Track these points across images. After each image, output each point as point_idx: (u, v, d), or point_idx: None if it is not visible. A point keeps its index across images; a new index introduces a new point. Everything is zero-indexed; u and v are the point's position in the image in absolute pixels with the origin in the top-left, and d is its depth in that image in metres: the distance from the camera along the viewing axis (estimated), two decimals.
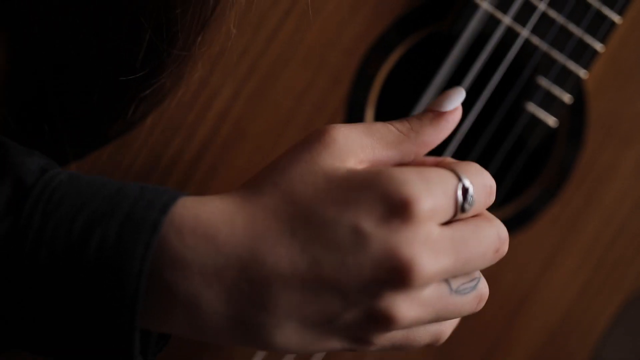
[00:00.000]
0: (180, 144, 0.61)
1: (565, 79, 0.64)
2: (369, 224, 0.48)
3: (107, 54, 0.55)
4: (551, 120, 0.65)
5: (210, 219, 0.49)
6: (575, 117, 0.68)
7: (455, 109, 0.54)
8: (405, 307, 0.50)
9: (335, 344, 0.52)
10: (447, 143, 0.65)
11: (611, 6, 0.63)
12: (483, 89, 0.64)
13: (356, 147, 0.52)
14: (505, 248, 0.53)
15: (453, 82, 0.63)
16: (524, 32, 0.62)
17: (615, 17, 0.64)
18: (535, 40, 0.63)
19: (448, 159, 0.55)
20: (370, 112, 0.64)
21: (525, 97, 0.65)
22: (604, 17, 0.63)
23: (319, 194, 0.49)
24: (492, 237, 0.52)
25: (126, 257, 0.48)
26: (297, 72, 0.61)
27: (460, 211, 0.51)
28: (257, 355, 0.67)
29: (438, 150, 0.64)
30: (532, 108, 0.65)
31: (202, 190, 0.62)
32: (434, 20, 0.63)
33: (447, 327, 0.55)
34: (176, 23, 0.54)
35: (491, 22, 0.62)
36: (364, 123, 0.53)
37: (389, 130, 0.53)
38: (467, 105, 0.64)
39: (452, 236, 0.50)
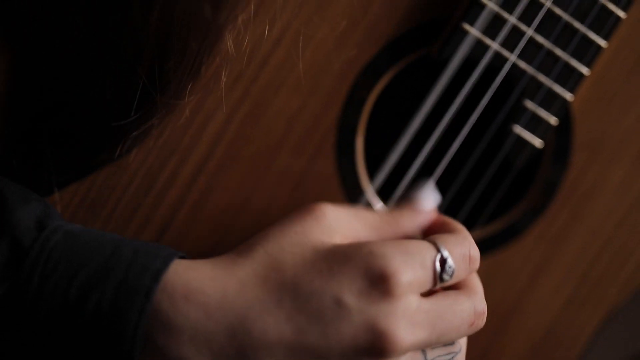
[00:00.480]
0: (175, 166, 0.62)
1: (552, 102, 0.66)
2: (350, 296, 0.51)
3: (101, 98, 0.57)
4: (537, 142, 0.67)
5: (202, 285, 0.52)
6: (561, 137, 0.69)
7: (430, 210, 0.59)
8: None
9: None
10: (437, 163, 0.66)
11: (597, 31, 0.65)
12: (471, 111, 0.65)
13: (343, 226, 0.55)
14: (480, 323, 0.56)
15: (442, 105, 0.65)
16: (512, 57, 0.64)
17: (601, 42, 0.65)
18: (523, 64, 0.64)
19: (448, 221, 0.58)
20: (360, 135, 0.65)
21: (512, 119, 0.66)
22: (590, 42, 0.65)
23: (306, 265, 0.52)
24: (467, 312, 0.55)
25: (120, 323, 0.50)
26: (288, 97, 0.63)
27: (439, 281, 0.54)
28: None
29: (430, 168, 0.66)
30: (519, 130, 0.66)
31: (196, 211, 0.63)
32: (423, 45, 0.64)
33: None
34: (168, 74, 0.55)
35: (479, 47, 0.63)
36: (353, 208, 0.57)
37: (373, 217, 0.58)
38: (456, 127, 0.66)
39: (429, 309, 0.53)
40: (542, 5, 0.63)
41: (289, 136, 0.63)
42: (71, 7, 0.56)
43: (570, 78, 0.65)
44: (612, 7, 0.64)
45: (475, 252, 0.56)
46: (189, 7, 0.53)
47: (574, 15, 0.64)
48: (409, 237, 0.57)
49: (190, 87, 0.57)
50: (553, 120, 0.66)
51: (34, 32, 0.58)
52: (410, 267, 0.52)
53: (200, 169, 0.63)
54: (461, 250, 0.55)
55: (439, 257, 0.54)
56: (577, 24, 0.64)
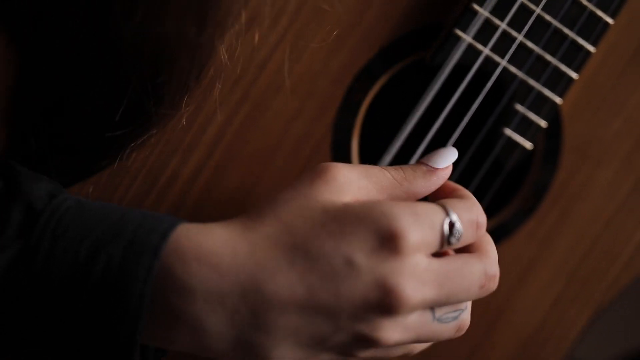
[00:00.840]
0: (176, 166, 0.64)
1: (541, 105, 0.68)
2: (360, 255, 0.53)
3: (98, 109, 0.59)
4: (527, 144, 0.69)
5: (213, 247, 0.53)
6: (550, 140, 0.71)
7: (446, 167, 0.59)
8: (390, 331, 0.54)
9: (324, 357, 0.56)
10: None
11: (586, 37, 0.67)
12: (463, 114, 0.67)
13: (354, 187, 0.56)
14: (491, 285, 0.57)
15: (435, 109, 0.67)
16: (502, 62, 0.66)
17: (590, 48, 0.67)
18: (513, 69, 0.66)
19: (452, 187, 0.60)
20: (355, 138, 0.67)
21: (503, 122, 0.68)
22: (579, 48, 0.67)
23: (316, 227, 0.54)
24: (477, 274, 0.56)
25: (129, 279, 0.52)
26: (286, 101, 0.65)
27: (447, 243, 0.55)
28: None
29: None
30: (510, 132, 0.68)
31: (197, 209, 0.65)
32: (417, 50, 0.66)
33: (419, 347, 0.60)
34: (162, 88, 0.57)
35: (471, 53, 0.65)
36: (362, 165, 0.57)
37: (384, 176, 0.58)
38: (448, 129, 0.68)
39: (438, 269, 0.54)
40: (532, 12, 0.65)
41: (286, 138, 0.65)
42: (69, 24, 0.58)
43: (559, 82, 0.67)
44: (600, 13, 0.66)
45: (482, 219, 0.57)
46: (175, 28, 0.55)
47: (563, 21, 0.66)
48: (420, 198, 0.58)
49: (186, 98, 0.59)
50: (543, 123, 0.68)
51: (37, 44, 0.59)
52: (419, 228, 0.53)
53: (200, 170, 0.65)
54: (469, 216, 0.56)
55: (447, 220, 0.55)
56: (566, 30, 0.66)
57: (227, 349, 0.54)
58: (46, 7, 0.58)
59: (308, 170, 0.56)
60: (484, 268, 0.56)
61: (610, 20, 0.67)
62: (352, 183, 0.56)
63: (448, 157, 0.59)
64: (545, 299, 0.75)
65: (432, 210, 0.55)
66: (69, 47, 0.58)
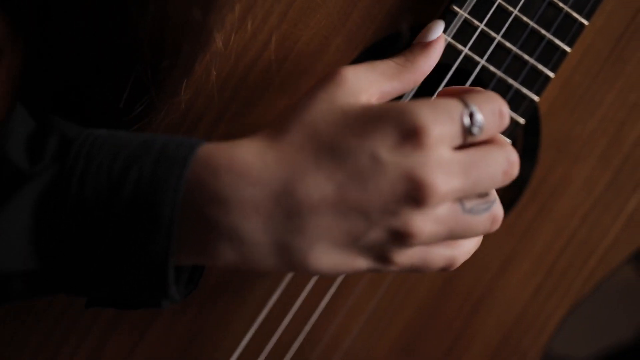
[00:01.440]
0: None
1: (519, 103, 0.71)
2: (385, 151, 0.55)
3: (102, 95, 0.62)
4: (506, 140, 0.72)
5: (243, 158, 0.55)
6: (529, 136, 0.74)
7: (438, 38, 0.63)
8: (422, 222, 0.56)
9: (361, 263, 0.58)
10: None
11: (562, 38, 0.70)
12: None
13: (364, 83, 0.59)
14: (514, 171, 0.59)
15: None
16: (481, 61, 0.69)
17: (566, 48, 0.70)
18: (492, 68, 0.69)
19: (477, 88, 0.62)
20: None
21: None
22: (556, 48, 0.70)
23: (339, 128, 0.56)
24: (500, 161, 0.58)
25: (160, 190, 0.54)
26: (273, 98, 0.67)
27: (469, 134, 0.57)
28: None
29: None
30: None
31: None
32: (400, 50, 0.69)
33: (460, 255, 0.62)
34: (164, 72, 0.60)
35: (451, 52, 0.68)
36: (367, 62, 0.60)
37: (388, 64, 0.62)
38: None
39: (462, 159, 0.57)
40: (510, 13, 0.68)
41: None
42: (74, 12, 0.61)
43: (536, 81, 0.70)
44: (575, 15, 0.69)
45: (505, 108, 0.59)
46: (181, 12, 0.58)
47: (539, 22, 0.69)
48: (426, 75, 0.63)
49: (185, 83, 0.62)
50: (521, 120, 0.71)
51: (43, 32, 0.63)
52: (440, 121, 0.56)
53: None
54: (491, 106, 0.58)
55: (467, 111, 0.57)
56: (542, 31, 0.69)
57: (266, 256, 0.56)
58: None
59: (320, 78, 0.59)
60: (506, 155, 0.59)
61: (585, 22, 0.70)
62: (361, 79, 0.59)
63: (436, 29, 0.64)
64: (525, 290, 0.78)
65: (450, 104, 0.57)
66: (75, 34, 0.61)
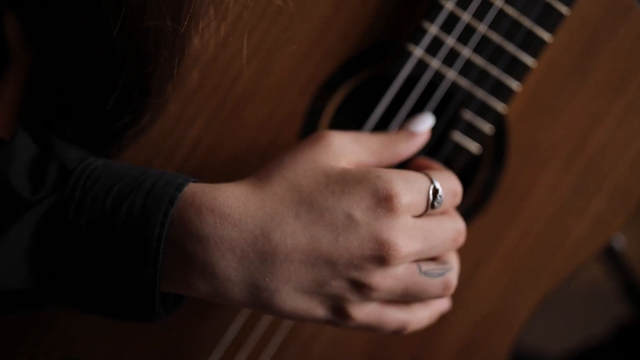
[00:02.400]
0: (160, 166, 0.72)
1: (486, 112, 0.76)
2: (359, 211, 0.62)
3: (93, 103, 0.67)
4: (474, 147, 0.77)
5: (226, 201, 0.61)
6: (497, 143, 0.79)
7: (425, 131, 0.70)
8: (381, 278, 0.63)
9: (320, 312, 0.64)
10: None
11: (527, 52, 0.75)
12: None
13: (347, 151, 0.66)
14: (461, 239, 0.68)
15: (390, 116, 0.75)
16: (450, 74, 0.74)
17: (530, 61, 0.75)
18: (460, 79, 0.74)
19: (431, 162, 0.71)
20: None
21: (451, 127, 0.76)
22: (520, 61, 0.75)
23: (319, 186, 0.62)
24: (451, 230, 0.66)
25: (148, 225, 0.60)
26: (258, 108, 0.73)
27: (430, 207, 0.65)
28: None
29: None
30: (458, 137, 0.76)
31: None
32: (374, 63, 0.74)
33: (413, 321, 0.68)
34: (148, 78, 0.65)
35: (422, 65, 0.73)
36: (354, 132, 0.67)
37: (372, 141, 0.68)
38: None
39: (422, 226, 0.64)
40: (477, 30, 0.73)
41: (258, 142, 0.73)
42: (66, 25, 0.66)
43: (502, 92, 0.75)
44: (539, 31, 0.74)
45: (459, 188, 0.68)
46: (154, 22, 0.63)
47: (505, 37, 0.74)
48: (403, 159, 0.69)
49: (170, 87, 0.67)
50: (488, 128, 0.76)
51: (45, 41, 0.68)
52: (410, 192, 0.63)
53: (181, 170, 0.73)
54: (449, 185, 0.66)
55: (432, 187, 0.65)
56: (508, 45, 0.74)
57: (235, 292, 0.62)
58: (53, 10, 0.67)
59: (307, 137, 0.65)
60: (456, 225, 0.67)
61: (548, 38, 0.75)
62: (345, 147, 0.65)
63: (425, 121, 0.70)
64: (495, 286, 0.83)
65: (420, 178, 0.64)
66: (69, 46, 0.66)
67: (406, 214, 0.63)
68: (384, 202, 0.62)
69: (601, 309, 1.10)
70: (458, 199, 0.68)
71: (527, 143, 0.80)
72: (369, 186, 0.62)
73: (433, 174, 0.66)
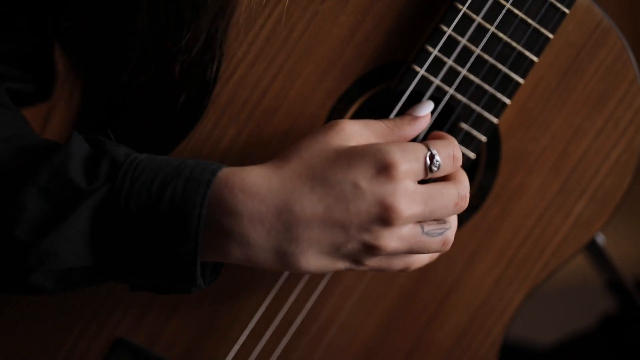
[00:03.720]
0: None
1: (481, 124, 0.86)
2: (364, 181, 0.72)
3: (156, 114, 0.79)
4: (471, 154, 0.88)
5: (254, 181, 0.72)
6: (491, 151, 0.90)
7: (425, 115, 0.80)
8: (388, 239, 0.73)
9: (340, 264, 0.75)
10: None
11: (516, 71, 0.85)
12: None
13: (357, 135, 0.76)
14: (463, 203, 0.77)
15: None
16: (450, 90, 0.85)
17: (519, 79, 0.86)
18: (458, 95, 0.85)
19: (439, 133, 0.81)
20: None
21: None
22: (511, 79, 0.86)
23: (330, 162, 0.73)
24: (453, 194, 0.76)
25: (189, 206, 0.71)
26: (283, 118, 0.84)
27: (429, 171, 0.75)
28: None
29: None
30: None
31: None
32: (384, 80, 0.85)
33: (416, 261, 0.79)
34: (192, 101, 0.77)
35: (425, 83, 0.84)
36: (364, 119, 0.77)
37: (380, 125, 0.78)
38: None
39: (423, 191, 0.74)
40: (473, 52, 0.84)
41: (283, 148, 0.84)
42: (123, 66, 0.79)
43: (495, 106, 0.86)
44: (527, 53, 0.85)
45: (458, 153, 0.77)
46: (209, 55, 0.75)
47: (497, 58, 0.84)
48: (408, 140, 0.78)
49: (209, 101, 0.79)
50: (483, 138, 0.87)
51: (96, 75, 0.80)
52: (407, 160, 0.73)
53: None
54: (447, 151, 0.76)
55: (428, 153, 0.74)
56: (500, 66, 0.85)
57: (267, 258, 0.72)
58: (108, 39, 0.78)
59: (323, 125, 0.76)
60: (457, 190, 0.76)
61: (535, 59, 0.85)
62: (355, 131, 0.76)
63: (426, 107, 0.80)
64: (489, 278, 0.93)
65: (417, 147, 0.75)
66: (122, 80, 0.78)
67: (406, 180, 0.72)
68: (385, 170, 0.72)
69: (592, 303, 1.20)
70: (458, 162, 0.77)
71: (518, 150, 0.90)
72: (371, 158, 0.72)
73: (432, 142, 0.76)
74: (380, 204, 0.72)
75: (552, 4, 0.84)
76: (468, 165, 0.88)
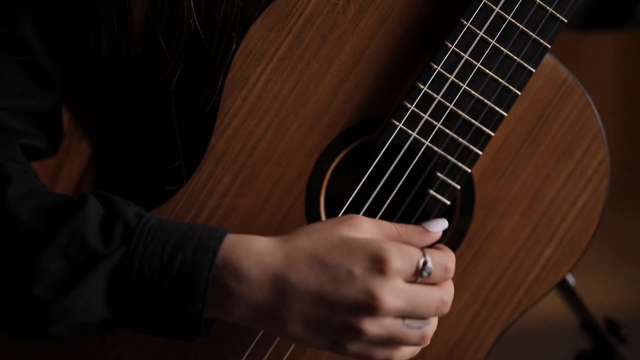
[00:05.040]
0: (193, 215, 0.91)
1: (455, 173, 0.94)
2: (358, 269, 0.80)
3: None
4: (446, 201, 0.95)
5: (259, 250, 0.80)
6: (466, 198, 0.97)
7: (437, 232, 0.87)
8: (369, 325, 0.80)
9: (321, 342, 0.82)
10: (376, 213, 0.94)
11: (487, 125, 0.93)
12: (399, 179, 0.94)
13: (367, 231, 0.83)
14: (444, 308, 0.84)
15: (379, 175, 0.93)
16: (426, 142, 0.92)
17: (490, 132, 0.93)
18: (434, 147, 0.93)
19: (440, 245, 0.88)
20: (322, 196, 0.93)
21: (428, 184, 0.94)
22: (482, 132, 0.93)
23: (333, 247, 0.80)
24: (436, 298, 0.83)
25: (198, 271, 0.79)
26: (273, 168, 0.91)
27: (419, 275, 0.82)
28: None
29: (372, 216, 0.93)
30: (433, 192, 0.94)
31: None
32: (366, 134, 0.93)
33: (397, 355, 0.85)
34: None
35: (403, 136, 0.92)
36: (378, 220, 0.85)
37: (391, 228, 0.85)
38: (389, 190, 0.94)
39: (409, 290, 0.82)
40: (447, 107, 0.92)
41: (273, 195, 0.92)
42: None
43: (468, 157, 0.93)
44: (497, 108, 0.93)
45: (452, 265, 0.84)
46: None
47: (469, 113, 0.92)
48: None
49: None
50: (457, 186, 0.94)
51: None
52: (401, 260, 0.80)
53: (211, 217, 0.91)
54: (441, 260, 0.83)
55: (422, 260, 0.82)
56: (472, 120, 0.93)
57: (261, 319, 0.80)
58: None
59: (339, 217, 0.83)
60: (441, 296, 0.83)
61: (504, 113, 0.93)
62: (367, 228, 0.83)
63: (440, 225, 0.88)
64: (466, 316, 1.00)
65: (413, 251, 0.82)
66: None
67: (396, 277, 0.80)
68: (378, 264, 0.79)
69: (570, 344, 1.26)
70: (450, 273, 0.84)
71: (490, 197, 0.98)
72: (369, 250, 0.80)
73: (429, 250, 0.83)
74: (368, 292, 0.79)
75: (519, 64, 0.92)
76: (443, 211, 0.95)
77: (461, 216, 0.97)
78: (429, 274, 0.82)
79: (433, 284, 0.84)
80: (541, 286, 1.01)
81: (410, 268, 0.81)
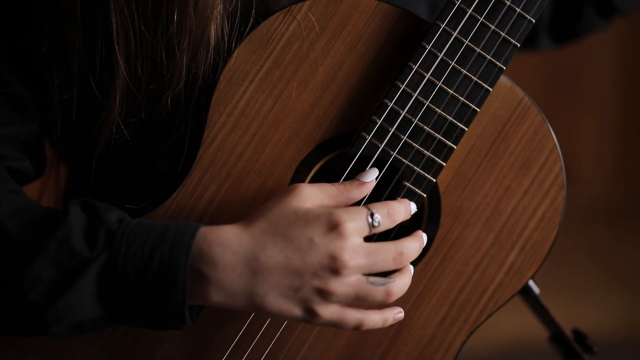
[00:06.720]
0: (185, 218, 1.00)
1: (421, 183, 1.03)
2: (317, 237, 0.89)
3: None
4: (414, 208, 1.04)
5: (227, 236, 0.89)
6: (432, 207, 1.06)
7: (371, 181, 0.97)
8: (336, 285, 0.89)
9: (296, 312, 0.90)
10: None
11: (449, 138, 1.03)
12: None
13: (312, 196, 0.92)
14: (401, 260, 0.93)
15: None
16: (393, 153, 1.02)
17: (452, 145, 1.03)
18: (401, 157, 1.02)
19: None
20: None
21: (395, 193, 1.03)
22: (445, 145, 1.03)
23: (290, 221, 0.90)
24: (391, 251, 0.92)
25: (176, 264, 0.88)
26: (255, 177, 1.01)
27: (372, 227, 0.91)
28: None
29: None
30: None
31: None
32: (340, 146, 1.02)
33: (367, 319, 0.93)
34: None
35: (373, 147, 1.01)
36: (319, 183, 0.94)
37: (332, 188, 0.95)
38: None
39: (366, 246, 0.91)
40: (412, 122, 1.01)
41: (255, 201, 1.01)
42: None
43: (433, 168, 1.03)
44: (457, 123, 1.02)
45: (393, 210, 0.93)
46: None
47: (432, 127, 1.02)
48: (356, 202, 0.95)
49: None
50: (423, 195, 1.03)
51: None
52: (353, 219, 0.89)
53: (199, 221, 1.00)
54: (384, 210, 0.93)
55: (369, 212, 0.91)
56: (435, 133, 1.02)
57: (239, 299, 0.89)
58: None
59: (284, 188, 0.93)
60: (395, 248, 0.92)
61: (465, 128, 1.03)
62: (311, 194, 0.92)
63: (371, 174, 0.97)
64: (435, 318, 1.07)
65: (359, 208, 0.92)
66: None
67: (354, 237, 0.89)
68: (335, 228, 0.89)
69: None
70: (394, 217, 0.94)
71: (455, 207, 1.07)
72: (323, 218, 0.90)
73: (370, 204, 0.93)
74: (330, 255, 0.88)
75: (477, 83, 1.02)
76: (411, 219, 1.04)
77: (429, 224, 1.06)
78: (379, 222, 0.92)
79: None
80: (505, 291, 1.08)
81: (362, 224, 0.90)
